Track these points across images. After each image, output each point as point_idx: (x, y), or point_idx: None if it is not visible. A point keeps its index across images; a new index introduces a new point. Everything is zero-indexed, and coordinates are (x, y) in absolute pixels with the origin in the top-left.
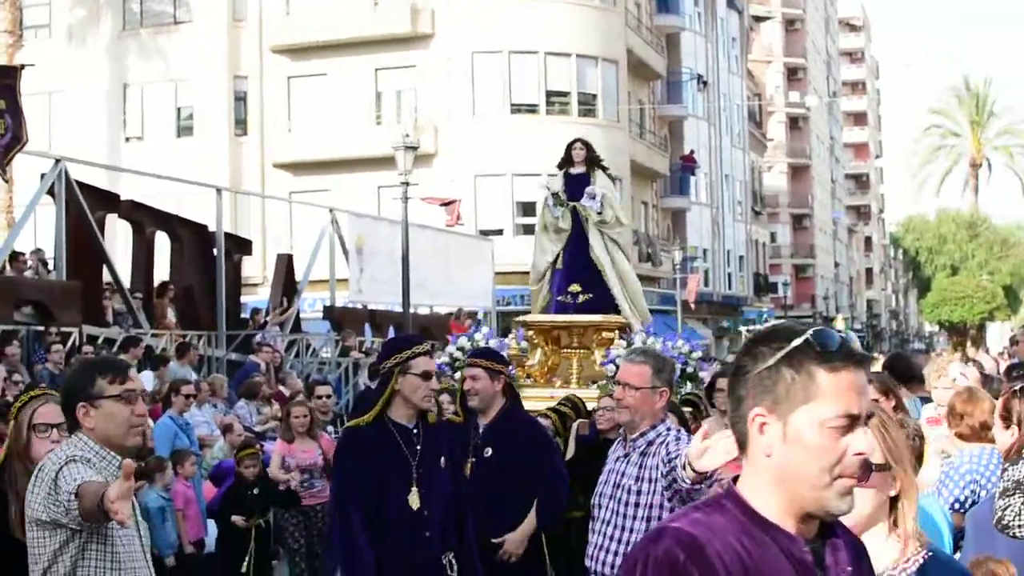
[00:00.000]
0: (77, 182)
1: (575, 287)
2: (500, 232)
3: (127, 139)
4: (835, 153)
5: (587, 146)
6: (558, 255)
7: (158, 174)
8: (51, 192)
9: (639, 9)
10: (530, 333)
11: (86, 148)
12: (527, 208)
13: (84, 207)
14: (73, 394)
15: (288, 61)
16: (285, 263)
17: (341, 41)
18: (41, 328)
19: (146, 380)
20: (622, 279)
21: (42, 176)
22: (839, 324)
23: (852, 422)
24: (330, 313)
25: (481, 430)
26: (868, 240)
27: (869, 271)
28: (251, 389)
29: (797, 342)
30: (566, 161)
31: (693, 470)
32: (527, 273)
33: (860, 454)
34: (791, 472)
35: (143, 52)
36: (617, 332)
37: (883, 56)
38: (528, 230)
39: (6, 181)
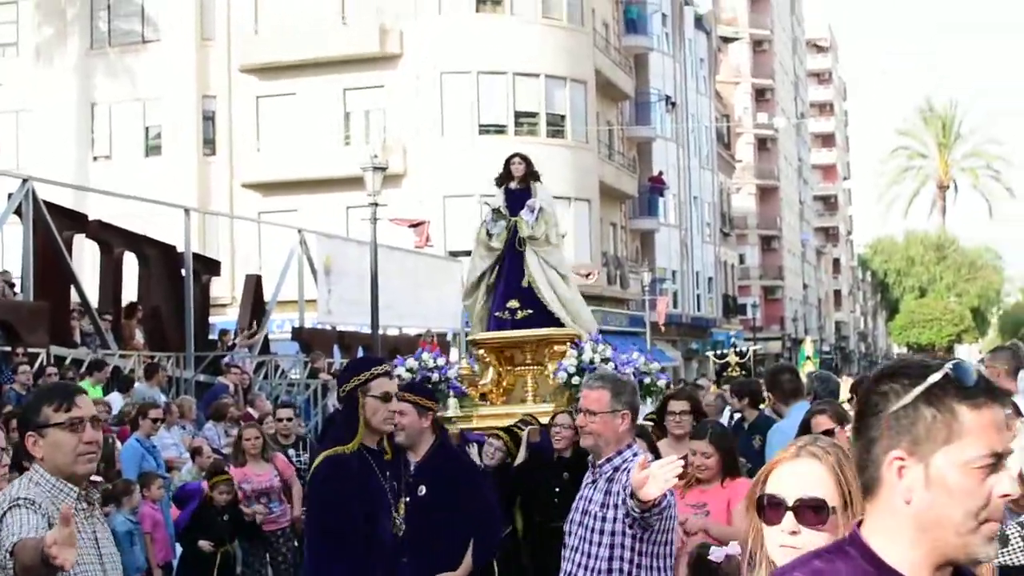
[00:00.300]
0: (44, 202)
1: (513, 303)
2: (469, 253)
3: (95, 158)
4: (803, 174)
5: (526, 160)
6: (485, 272)
7: (126, 194)
8: (18, 212)
9: (607, 30)
10: (480, 352)
11: (54, 167)
12: None
13: (52, 227)
14: (23, 424)
15: (256, 80)
16: (254, 284)
17: (309, 61)
18: (8, 349)
19: (114, 402)
20: (559, 296)
21: (9, 196)
22: (808, 346)
23: (996, 461)
24: (299, 334)
25: (412, 467)
26: (836, 262)
27: (838, 293)
28: (219, 411)
29: (935, 378)
30: (505, 177)
31: (638, 499)
32: None
33: (1006, 496)
34: (934, 518)
35: (111, 71)
36: (569, 344)
37: (850, 77)
38: None
39: None
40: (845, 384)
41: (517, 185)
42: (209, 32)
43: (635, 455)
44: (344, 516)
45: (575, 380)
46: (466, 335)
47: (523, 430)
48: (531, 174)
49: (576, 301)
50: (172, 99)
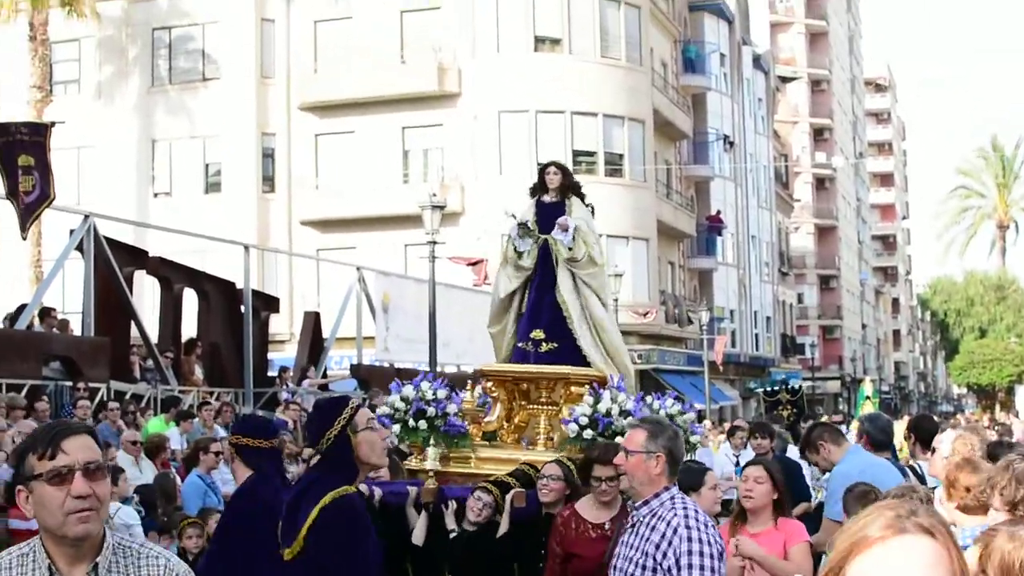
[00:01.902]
0: (106, 238)
1: (537, 333)
2: None
3: (155, 195)
4: (861, 214)
5: (563, 171)
6: (513, 294)
7: (186, 230)
8: (80, 248)
9: (665, 69)
10: (489, 385)
11: (114, 204)
12: None
13: (113, 263)
14: (15, 476)
15: (316, 118)
16: (312, 321)
17: (368, 99)
18: (69, 383)
19: (173, 437)
20: (595, 327)
21: (71, 232)
22: (867, 386)
23: None
24: (357, 371)
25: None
26: (895, 301)
27: (896, 332)
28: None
29: None
30: (539, 188)
31: None
32: None
33: None
34: None
35: (171, 108)
36: (588, 387)
37: (909, 116)
38: None
39: (24, 239)
40: (900, 425)
41: (552, 198)
42: (269, 70)
43: (672, 499)
44: (377, 563)
45: (587, 434)
46: None
47: (516, 480)
48: (569, 186)
49: (613, 336)
50: (232, 136)
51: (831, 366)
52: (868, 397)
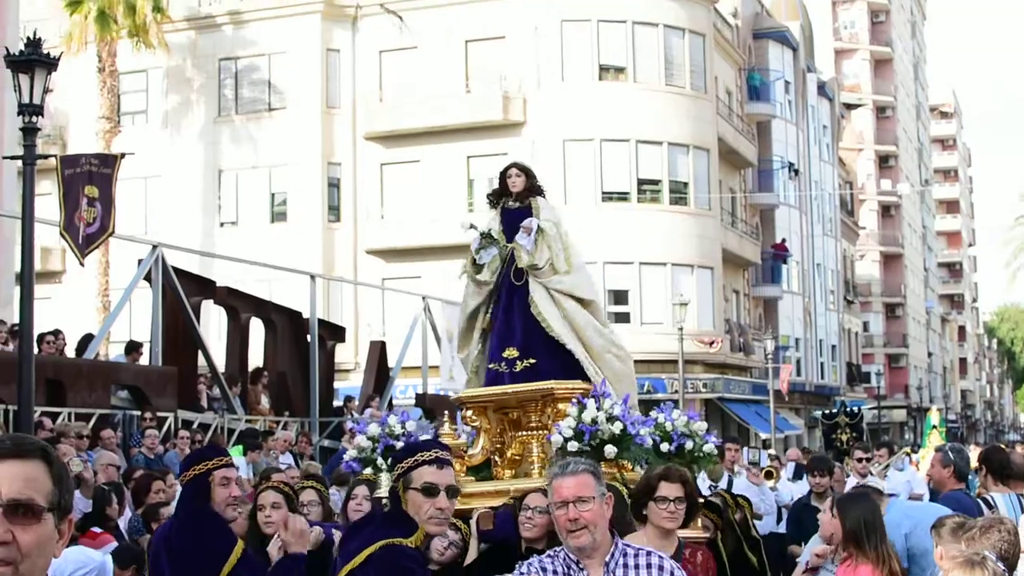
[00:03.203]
0: (174, 268)
1: (511, 351)
2: None
3: (221, 224)
4: (927, 241)
5: (525, 172)
6: (478, 311)
7: (252, 260)
8: (148, 277)
9: (730, 97)
10: (469, 414)
11: (181, 233)
12: (619, 296)
13: (180, 293)
14: None
15: (381, 148)
16: (378, 350)
17: (434, 128)
18: (137, 412)
19: (241, 466)
20: (580, 335)
21: (139, 261)
22: (934, 415)
23: None
24: (422, 400)
25: None
26: (962, 329)
27: (963, 361)
28: (343, 476)
29: None
30: (501, 194)
31: None
32: None
33: None
34: None
35: (237, 138)
36: (577, 398)
37: (975, 142)
38: (621, 318)
39: (82, 265)
40: (973, 454)
41: (515, 203)
42: (334, 100)
43: (628, 546)
44: None
45: (572, 446)
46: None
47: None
48: (532, 188)
49: (596, 337)
50: (297, 166)
51: (897, 395)
52: (935, 426)
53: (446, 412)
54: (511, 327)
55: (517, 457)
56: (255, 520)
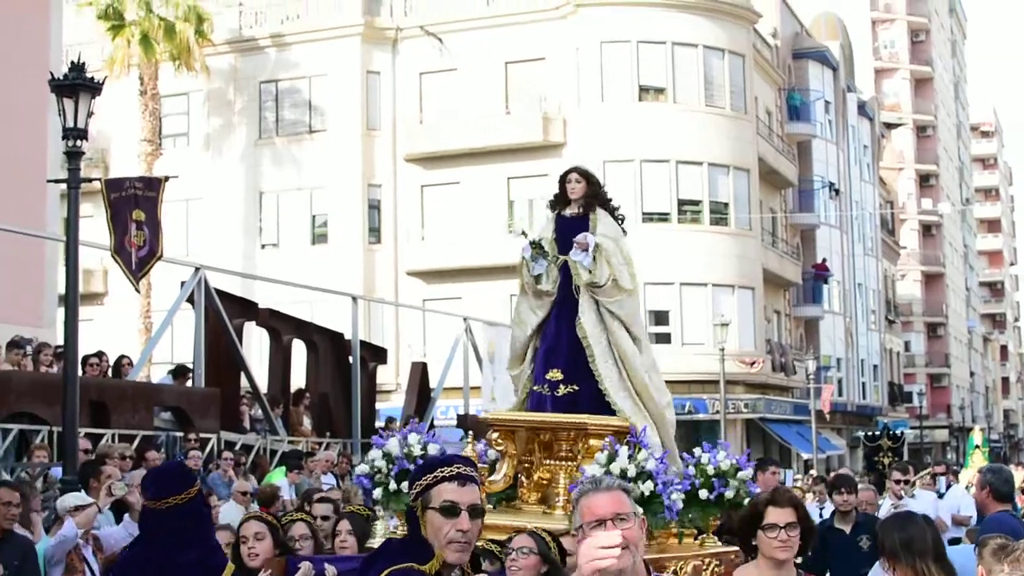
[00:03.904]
0: (216, 290)
1: (554, 373)
2: None
3: (262, 246)
4: (969, 260)
5: (587, 178)
6: (538, 328)
7: (294, 282)
8: (190, 299)
9: (770, 117)
10: (495, 436)
11: (222, 255)
12: (660, 317)
13: (223, 315)
14: None
15: (421, 169)
16: (419, 371)
17: (474, 150)
18: (180, 434)
19: (284, 487)
20: (623, 365)
21: (181, 283)
22: (976, 435)
23: None
24: (463, 421)
25: None
26: (1004, 349)
27: (1005, 380)
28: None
29: None
30: (559, 200)
31: None
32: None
33: None
34: None
35: (278, 160)
36: (609, 440)
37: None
38: (662, 339)
39: (137, 291)
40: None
41: (574, 211)
42: (374, 122)
43: None
44: None
45: None
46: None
47: (502, 549)
48: (594, 196)
49: (644, 376)
50: (338, 188)
51: (939, 415)
52: (978, 446)
53: (469, 433)
54: (559, 346)
55: (544, 481)
56: (238, 552)
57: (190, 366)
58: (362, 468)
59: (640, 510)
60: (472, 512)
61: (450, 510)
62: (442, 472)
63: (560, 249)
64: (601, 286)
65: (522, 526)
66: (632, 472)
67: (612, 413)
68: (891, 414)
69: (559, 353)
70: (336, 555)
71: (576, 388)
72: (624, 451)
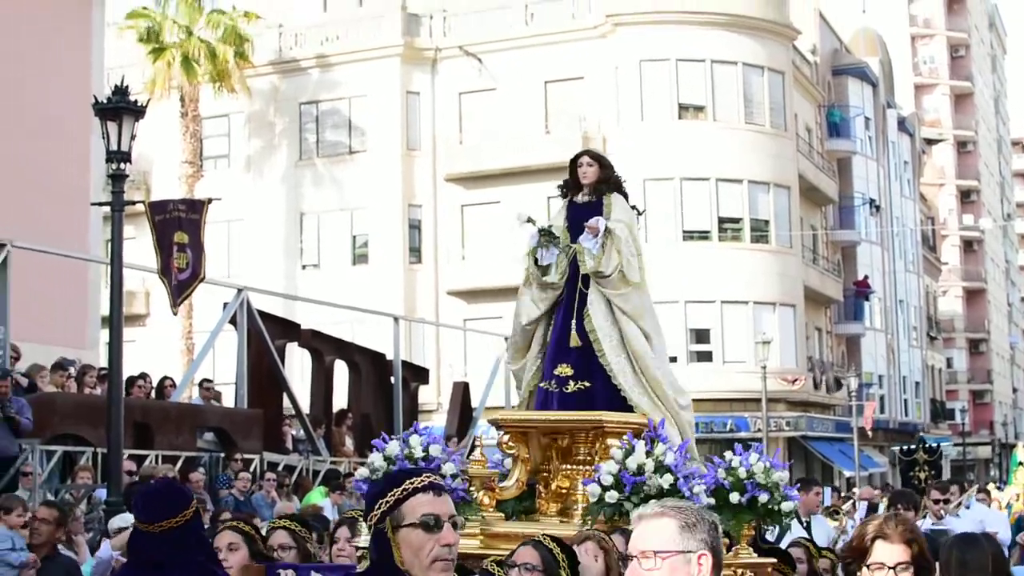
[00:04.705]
0: (258, 311)
1: (564, 369)
2: (674, 359)
3: (303, 267)
4: (1011, 276)
5: (599, 161)
6: (538, 320)
7: (335, 302)
8: (232, 320)
9: (810, 134)
10: (506, 439)
11: (263, 276)
12: (701, 335)
13: (265, 335)
14: None
15: (461, 189)
16: (461, 391)
17: (514, 169)
18: (223, 455)
19: (327, 507)
20: (635, 361)
21: (224, 305)
22: (1020, 452)
23: None
24: None
25: None
26: None
27: None
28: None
29: None
30: (571, 185)
31: None
32: (705, 401)
33: None
34: None
35: (319, 181)
36: (626, 438)
37: None
38: (703, 357)
39: (175, 314)
40: None
41: (585, 197)
42: (414, 142)
43: None
44: None
45: (611, 496)
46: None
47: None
48: (607, 181)
49: (656, 371)
50: (378, 208)
51: (982, 431)
52: (1021, 463)
53: (477, 436)
54: (566, 342)
55: (563, 490)
56: None
57: (209, 378)
58: (362, 472)
59: (701, 548)
60: (454, 525)
61: (431, 524)
62: (412, 484)
63: (572, 238)
64: (607, 276)
65: (532, 533)
66: (650, 467)
67: (628, 410)
68: (933, 431)
69: (568, 348)
70: (323, 564)
71: (587, 384)
72: (641, 446)
